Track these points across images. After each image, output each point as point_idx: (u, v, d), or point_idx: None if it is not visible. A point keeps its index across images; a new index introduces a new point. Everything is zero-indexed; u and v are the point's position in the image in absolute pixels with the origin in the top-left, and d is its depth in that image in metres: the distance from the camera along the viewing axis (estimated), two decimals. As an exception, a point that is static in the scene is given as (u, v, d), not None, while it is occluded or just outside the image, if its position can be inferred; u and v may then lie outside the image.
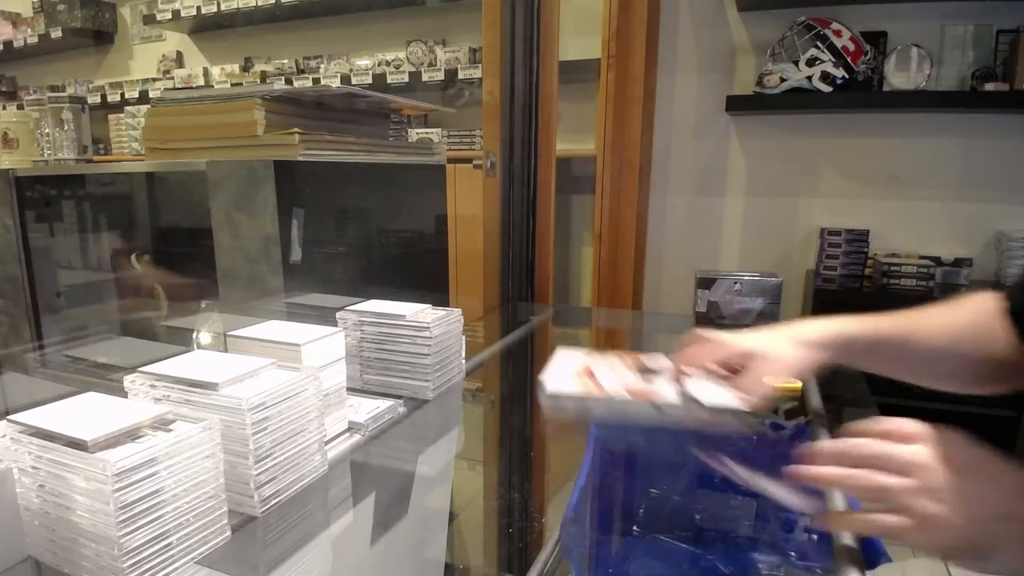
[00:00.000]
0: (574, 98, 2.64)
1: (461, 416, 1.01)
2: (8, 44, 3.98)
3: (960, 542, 0.44)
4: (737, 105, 2.31)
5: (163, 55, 3.80)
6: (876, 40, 2.17)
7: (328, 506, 0.69)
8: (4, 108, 3.33)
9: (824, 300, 2.14)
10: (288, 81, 3.22)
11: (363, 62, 3.12)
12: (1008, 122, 2.11)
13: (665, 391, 0.70)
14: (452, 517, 0.79)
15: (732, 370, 0.69)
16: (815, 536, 0.69)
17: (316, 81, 3.18)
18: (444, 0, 2.95)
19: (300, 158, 0.99)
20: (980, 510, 0.43)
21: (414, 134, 2.94)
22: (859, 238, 2.19)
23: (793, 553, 0.59)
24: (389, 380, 0.95)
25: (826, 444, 0.52)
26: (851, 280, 2.20)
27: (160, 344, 1.29)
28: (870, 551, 0.55)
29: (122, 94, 3.78)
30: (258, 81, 3.34)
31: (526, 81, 1.70)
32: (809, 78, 2.11)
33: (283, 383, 0.63)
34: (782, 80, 2.15)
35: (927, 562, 0.60)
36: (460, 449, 0.92)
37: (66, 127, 1.55)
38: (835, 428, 0.67)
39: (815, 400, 0.98)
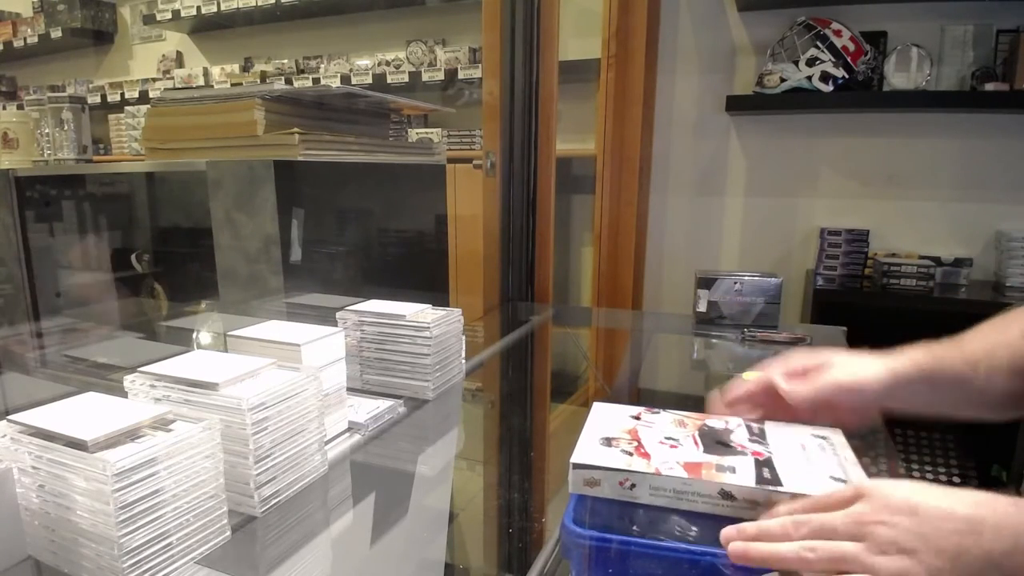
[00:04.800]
0: (574, 98, 2.64)
1: (461, 416, 1.01)
2: (8, 44, 3.98)
3: None
4: (737, 105, 2.31)
5: (163, 55, 3.80)
6: (876, 40, 2.17)
7: (328, 506, 0.69)
8: (4, 108, 3.33)
9: (824, 300, 2.14)
10: (288, 81, 3.22)
11: (363, 62, 3.12)
12: (1008, 122, 2.11)
13: (737, 468, 0.56)
14: (452, 517, 0.79)
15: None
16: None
17: (316, 81, 3.18)
18: (444, 0, 2.95)
19: (300, 158, 0.99)
20: (957, 552, 0.41)
21: (414, 134, 2.94)
22: (859, 238, 2.19)
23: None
24: (389, 380, 0.95)
25: (765, 524, 0.48)
26: (851, 280, 2.20)
27: (160, 344, 1.29)
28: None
29: (122, 94, 3.78)
30: (258, 81, 3.34)
31: (526, 81, 1.70)
32: (809, 78, 2.11)
33: (283, 383, 0.63)
34: (782, 80, 2.15)
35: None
36: (460, 449, 0.92)
37: (66, 127, 1.55)
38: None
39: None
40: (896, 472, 0.82)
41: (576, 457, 0.57)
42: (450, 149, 2.76)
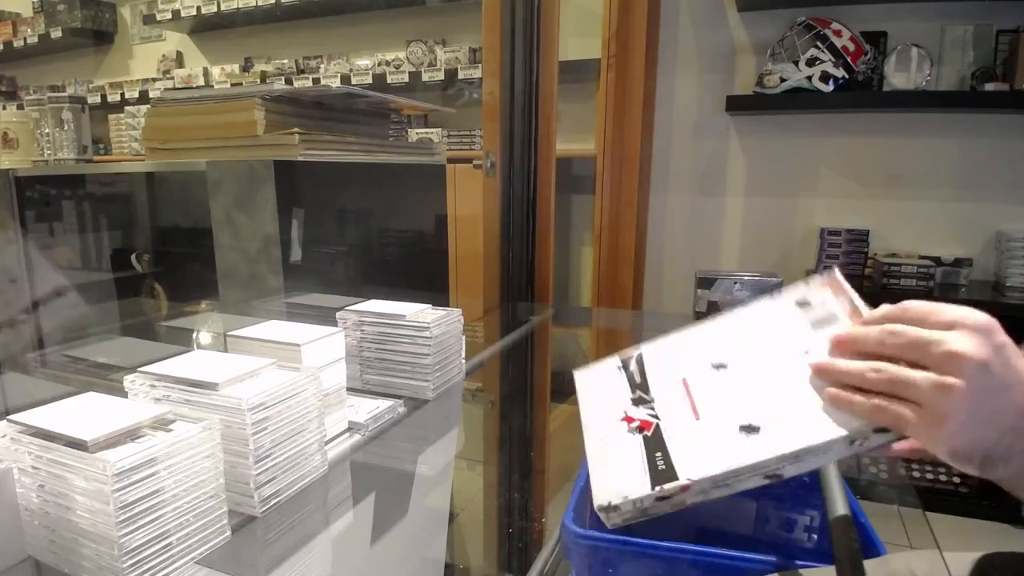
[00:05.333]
0: (574, 98, 2.64)
1: (461, 416, 1.01)
2: (8, 44, 3.98)
3: (966, 446, 0.43)
4: (737, 105, 2.31)
5: (163, 55, 3.80)
6: (876, 40, 2.17)
7: (328, 506, 0.69)
8: (4, 108, 3.33)
9: (824, 300, 2.14)
10: (288, 81, 3.22)
11: (363, 62, 3.12)
12: (1008, 122, 2.11)
13: (767, 421, 0.49)
14: (452, 517, 0.79)
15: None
16: (815, 536, 0.69)
17: (316, 81, 3.18)
18: (444, 0, 2.95)
19: (300, 158, 0.99)
20: (994, 419, 0.42)
21: (414, 134, 2.94)
22: (859, 238, 2.19)
23: (793, 552, 0.59)
24: (389, 380, 0.95)
25: (862, 332, 0.47)
26: (851, 280, 2.18)
27: (160, 344, 1.29)
28: (866, 546, 0.55)
29: (122, 94, 3.78)
30: (258, 81, 3.34)
31: (526, 81, 1.70)
32: (809, 78, 2.11)
33: (283, 383, 0.63)
34: (782, 80, 2.15)
35: (926, 553, 0.59)
36: (460, 449, 0.92)
37: (66, 127, 1.55)
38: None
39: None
40: (896, 471, 0.82)
41: (601, 495, 0.51)
42: (450, 149, 2.76)
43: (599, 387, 0.60)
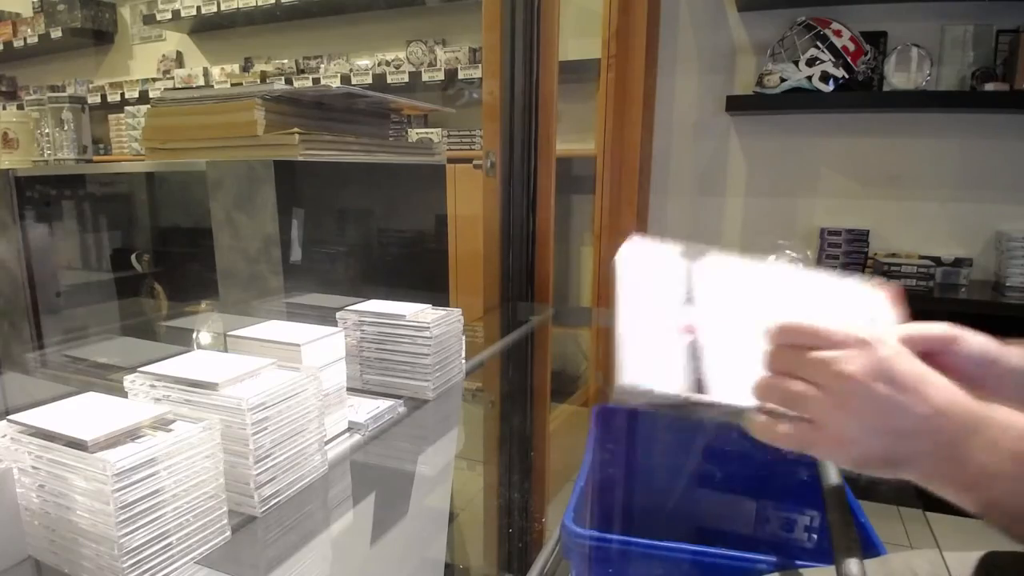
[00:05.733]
0: (574, 98, 2.63)
1: (461, 416, 1.01)
2: (8, 44, 3.98)
3: (869, 455, 0.45)
4: (737, 105, 2.31)
5: (163, 55, 3.80)
6: (876, 40, 2.17)
7: (328, 506, 0.69)
8: (4, 108, 3.33)
9: (824, 300, 2.14)
10: (288, 81, 3.22)
11: (363, 62, 3.13)
12: (1008, 122, 2.11)
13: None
14: (452, 517, 0.79)
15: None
16: (815, 536, 0.69)
17: (316, 81, 3.18)
18: (444, 0, 2.95)
19: (300, 158, 0.99)
20: (891, 427, 0.44)
21: (414, 134, 2.94)
22: (859, 238, 2.19)
23: (793, 552, 0.59)
24: (389, 380, 0.95)
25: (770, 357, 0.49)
26: (851, 280, 2.20)
27: (160, 344, 1.29)
28: (866, 546, 0.55)
29: (122, 94, 3.78)
30: (258, 81, 3.34)
31: (526, 81, 1.70)
32: (809, 78, 2.11)
33: (283, 383, 0.63)
34: (782, 80, 2.15)
35: (926, 552, 0.59)
36: (460, 449, 0.92)
37: (66, 127, 1.55)
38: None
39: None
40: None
41: (629, 375, 0.52)
42: (450, 149, 2.76)
43: (651, 273, 0.60)
